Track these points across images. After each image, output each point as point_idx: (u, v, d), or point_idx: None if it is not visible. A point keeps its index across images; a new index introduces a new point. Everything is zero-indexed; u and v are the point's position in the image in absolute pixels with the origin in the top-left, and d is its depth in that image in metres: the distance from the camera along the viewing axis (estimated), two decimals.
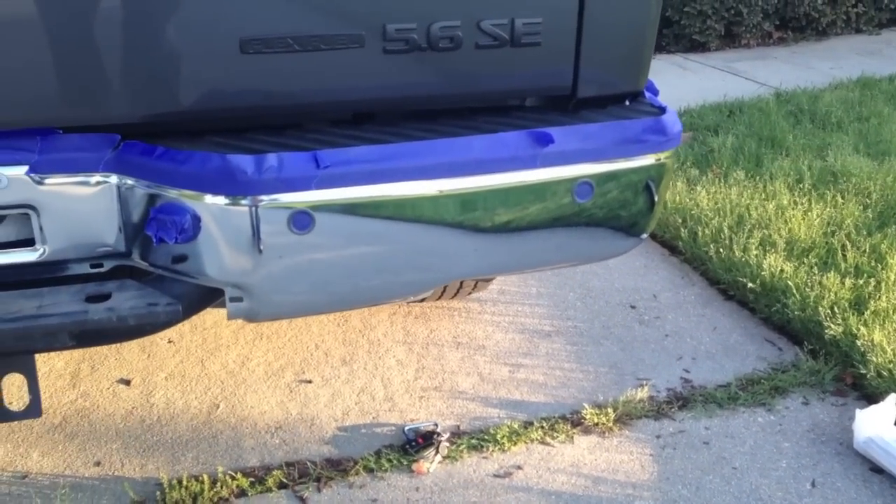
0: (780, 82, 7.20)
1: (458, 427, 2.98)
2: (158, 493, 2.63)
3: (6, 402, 1.89)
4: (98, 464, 2.80)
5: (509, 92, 2.00)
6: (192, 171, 1.65)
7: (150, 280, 1.82)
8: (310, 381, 3.23)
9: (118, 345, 3.45)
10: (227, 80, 1.77)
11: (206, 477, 2.67)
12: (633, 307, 3.81)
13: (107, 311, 1.68)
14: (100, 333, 1.77)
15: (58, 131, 1.72)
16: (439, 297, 3.69)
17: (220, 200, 1.66)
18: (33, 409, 1.90)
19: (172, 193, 1.68)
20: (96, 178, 1.74)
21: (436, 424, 2.96)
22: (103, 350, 3.41)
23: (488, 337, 3.54)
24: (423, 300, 3.73)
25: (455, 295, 3.64)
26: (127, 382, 3.22)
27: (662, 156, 1.96)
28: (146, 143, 1.72)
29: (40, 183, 1.71)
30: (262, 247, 1.68)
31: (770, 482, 2.77)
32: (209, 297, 1.81)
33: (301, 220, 1.67)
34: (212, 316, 3.62)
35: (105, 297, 1.73)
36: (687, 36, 8.51)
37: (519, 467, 2.79)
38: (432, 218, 1.77)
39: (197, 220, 1.68)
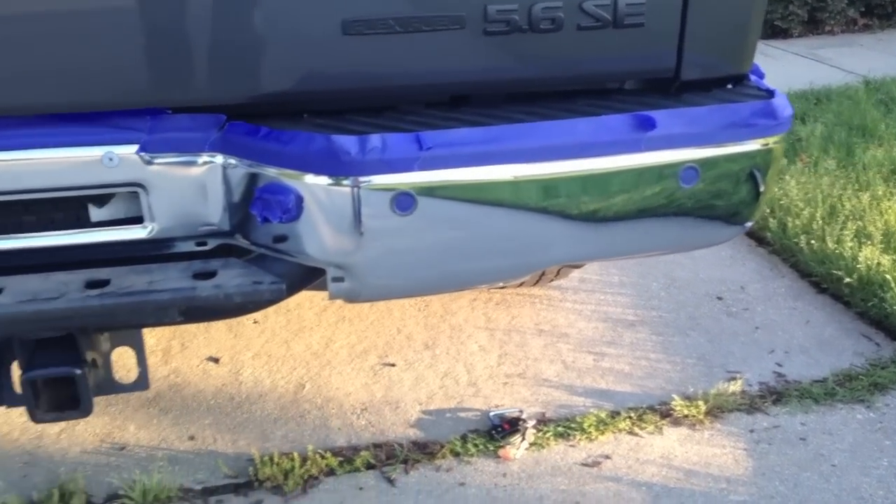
0: (868, 70, 6.93)
1: (544, 414, 2.96)
2: (251, 468, 2.68)
3: (115, 375, 1.96)
4: (192, 438, 2.88)
5: (610, 74, 1.96)
6: (296, 152, 1.67)
7: (253, 259, 1.85)
8: (393, 365, 3.26)
9: (207, 324, 3.53)
10: (329, 62, 1.78)
11: (296, 455, 2.72)
12: (719, 298, 3.72)
13: (214, 289, 1.72)
14: (206, 310, 1.81)
15: (166, 111, 1.76)
16: (520, 284, 3.67)
17: (323, 181, 1.67)
18: (141, 382, 1.95)
19: (276, 173, 1.70)
20: (203, 157, 1.77)
21: (521, 411, 2.94)
22: (192, 329, 3.50)
23: (571, 325, 3.51)
24: (503, 287, 3.72)
25: (537, 282, 3.62)
26: (216, 360, 3.29)
27: (771, 140, 1.90)
28: (250, 124, 1.75)
29: (149, 162, 1.75)
30: (364, 228, 1.69)
31: (871, 480, 2.68)
32: (310, 276, 1.83)
33: (403, 201, 1.67)
34: (295, 298, 3.68)
35: (211, 274, 1.77)
36: (768, 22, 8.26)
37: (607, 457, 2.76)
38: (533, 202, 1.75)
39: (300, 200, 1.70)
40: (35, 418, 1.79)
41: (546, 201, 1.76)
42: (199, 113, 1.76)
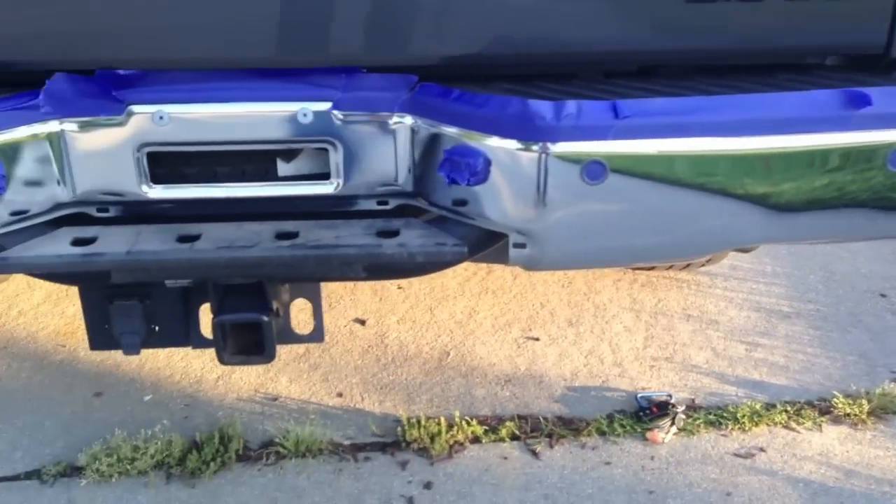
0: None
1: (693, 401, 2.88)
2: (399, 429, 2.73)
3: (293, 326, 2.02)
4: (340, 395, 2.95)
5: (814, 48, 1.86)
6: (490, 115, 1.66)
7: (433, 220, 1.86)
8: (537, 339, 3.24)
9: (353, 286, 3.61)
10: (523, 26, 1.76)
11: (442, 419, 2.75)
12: (883, 296, 3.51)
13: (398, 247, 1.73)
14: (388, 267, 1.83)
15: (361, 70, 1.78)
16: (669, 267, 3.57)
17: (514, 145, 1.66)
18: (317, 333, 2.01)
19: (466, 136, 1.70)
20: (393, 117, 1.78)
21: (669, 395, 2.87)
22: (339, 290, 3.59)
23: (721, 312, 3.40)
24: (651, 269, 3.64)
25: (686, 266, 3.52)
26: (362, 322, 3.36)
27: None
28: (442, 86, 1.75)
29: (341, 119, 1.78)
30: (552, 194, 1.67)
31: None
32: (489, 240, 1.83)
33: (594, 170, 1.64)
34: None
35: (394, 233, 1.79)
36: None
37: (761, 449, 2.66)
38: (728, 179, 1.68)
39: (488, 163, 1.69)
40: (222, 360, 1.87)
41: (741, 178, 1.69)
42: (392, 73, 1.78)
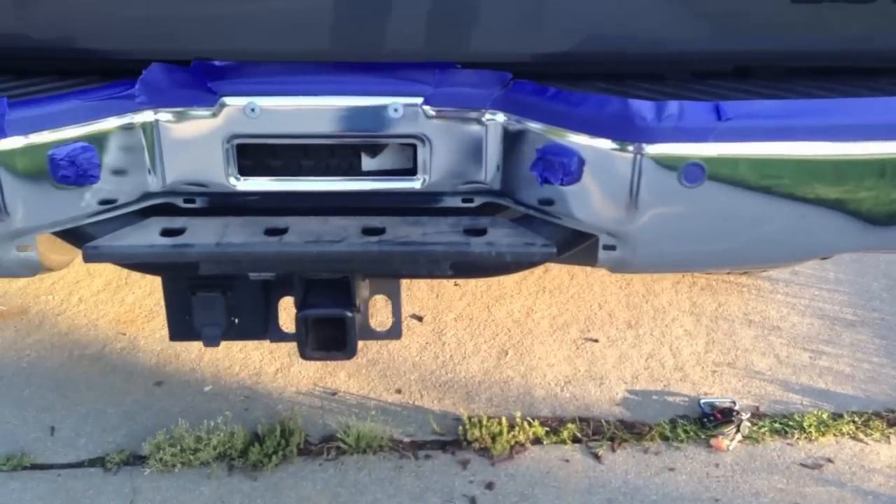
0: None
1: (758, 408, 2.83)
2: (460, 428, 2.71)
3: (371, 323, 2.01)
4: (399, 391, 2.94)
5: None
6: (588, 114, 1.63)
7: (519, 219, 1.84)
8: (596, 340, 3.21)
9: (408, 282, 3.59)
10: (618, 24, 1.73)
11: (504, 420, 2.72)
12: None
13: (486, 246, 1.71)
14: (475, 266, 1.82)
15: (455, 66, 1.76)
16: (728, 272, 3.53)
17: (612, 145, 1.63)
18: (395, 330, 2.00)
19: (561, 135, 1.68)
20: (484, 114, 1.76)
21: (733, 402, 2.83)
22: None
23: (783, 318, 3.34)
24: (710, 272, 3.59)
25: (745, 271, 3.47)
26: (419, 318, 3.34)
27: None
28: (537, 83, 1.72)
29: (431, 115, 1.76)
30: (647, 196, 1.63)
31: None
32: (576, 241, 1.80)
33: (692, 172, 1.61)
34: None
35: (482, 231, 1.77)
36: None
37: (829, 460, 2.61)
38: (830, 183, 1.64)
39: (582, 162, 1.66)
40: (304, 355, 1.86)
41: (845, 186, 1.64)
42: (485, 69, 1.76)
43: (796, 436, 2.70)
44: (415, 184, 1.84)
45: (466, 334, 3.25)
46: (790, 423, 2.74)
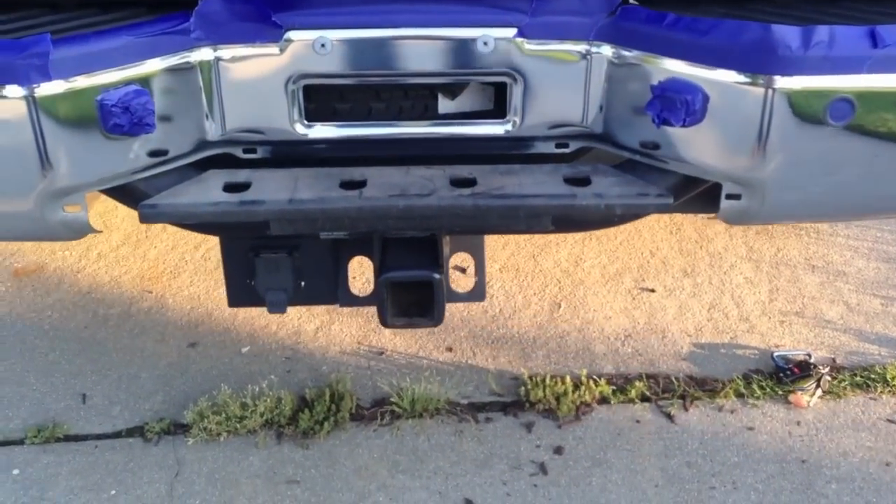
0: None
1: (834, 360, 2.67)
2: (522, 388, 2.54)
3: (453, 284, 1.81)
4: (450, 349, 2.76)
5: None
6: (719, 43, 1.41)
7: (621, 166, 1.63)
8: (652, 290, 3.02)
9: None
10: None
11: (568, 379, 2.55)
12: None
13: (595, 198, 1.51)
14: (580, 220, 1.61)
15: None
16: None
17: (744, 79, 1.41)
18: (478, 291, 1.80)
19: (683, 69, 1.45)
20: (585, 46, 1.54)
21: (808, 354, 2.66)
22: None
23: (847, 263, 3.16)
24: None
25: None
26: (463, 270, 3.14)
27: None
28: (651, 9, 1.49)
29: (526, 49, 1.53)
30: (785, 137, 1.43)
31: None
32: (687, 189, 1.60)
33: (841, 109, 1.40)
34: None
35: (584, 181, 1.56)
36: None
37: None
38: None
39: (706, 100, 1.45)
40: (386, 322, 1.67)
41: None
42: None
43: (879, 389, 2.54)
44: (503, 128, 1.62)
45: (514, 286, 3.06)
46: (872, 376, 2.59)
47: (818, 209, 1.62)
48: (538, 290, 3.04)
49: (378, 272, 1.62)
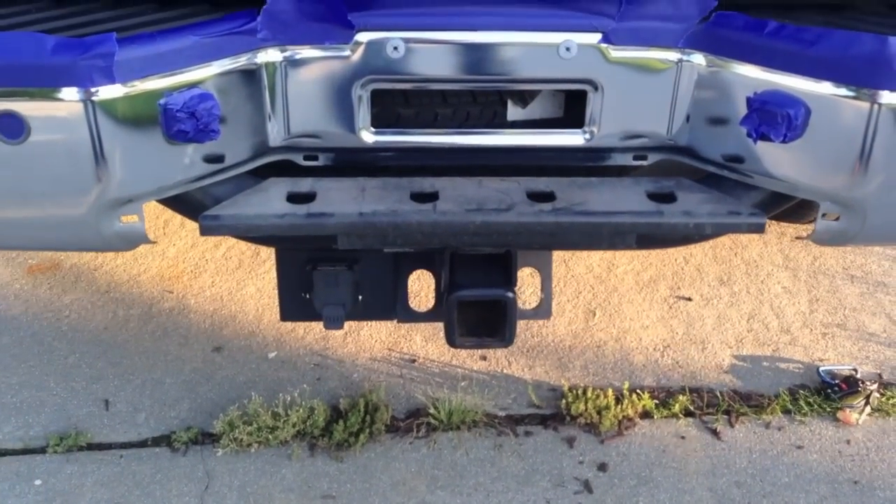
0: None
1: (881, 375, 2.59)
2: (562, 402, 2.45)
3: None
4: (484, 358, 2.67)
5: None
6: (828, 55, 1.32)
7: (704, 181, 1.54)
8: (689, 299, 2.94)
9: None
10: None
11: (610, 392, 2.47)
12: None
13: (683, 216, 1.42)
14: (664, 238, 1.52)
15: None
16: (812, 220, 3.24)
17: (852, 93, 1.32)
18: (544, 308, 1.71)
19: (783, 81, 1.36)
20: (675, 54, 1.44)
21: (855, 369, 2.59)
22: None
23: (886, 273, 3.08)
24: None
25: None
26: None
27: None
28: (749, 16, 1.40)
29: (611, 56, 1.44)
30: (890, 154, 1.34)
31: None
32: (776, 207, 1.51)
33: None
34: None
35: (669, 197, 1.47)
36: None
37: None
38: None
39: (808, 114, 1.36)
40: (454, 342, 1.57)
41: None
42: None
43: None
44: (579, 138, 1.52)
45: None
46: None
47: None
48: (572, 296, 2.95)
49: (447, 289, 1.53)
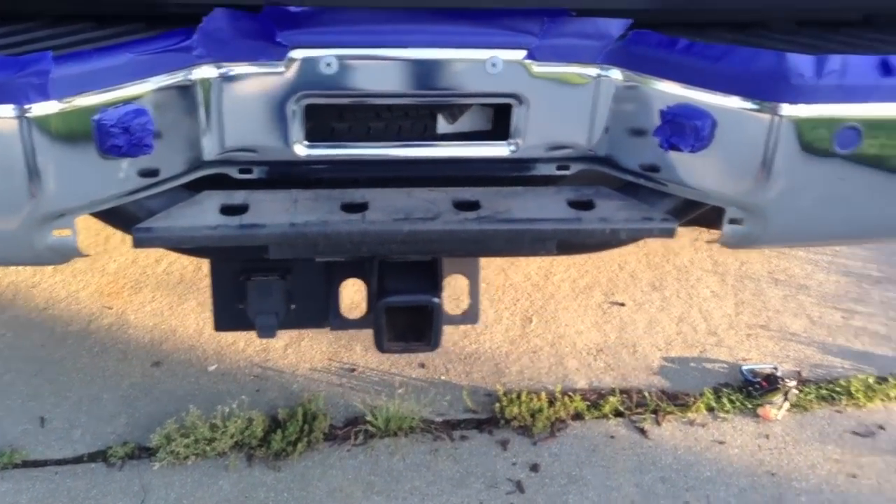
0: None
1: (800, 373, 2.73)
2: (497, 405, 2.52)
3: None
4: (422, 366, 2.73)
5: None
6: (732, 70, 1.41)
7: (623, 189, 1.62)
8: (622, 304, 3.05)
9: None
10: None
11: (543, 395, 2.55)
12: None
13: (600, 222, 1.50)
14: (583, 244, 1.60)
15: (568, 13, 1.50)
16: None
17: (754, 105, 1.42)
18: (472, 314, 1.77)
19: (692, 95, 1.45)
20: (595, 69, 1.53)
21: (775, 367, 2.71)
22: None
23: (808, 276, 3.24)
24: None
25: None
26: None
27: None
28: (662, 34, 1.49)
29: (534, 71, 1.51)
30: (791, 163, 1.44)
31: None
32: (688, 213, 1.60)
33: (848, 136, 1.41)
34: None
35: (588, 204, 1.55)
36: None
37: (881, 427, 2.53)
38: None
39: (715, 125, 1.45)
40: (382, 347, 1.62)
41: None
42: (599, 17, 1.51)
43: (844, 402, 2.61)
44: (505, 149, 1.60)
45: (485, 300, 3.03)
46: (836, 388, 2.65)
47: (820, 234, 1.64)
48: (509, 304, 3.03)
49: (376, 296, 1.58)
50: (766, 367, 2.72)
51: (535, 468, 2.36)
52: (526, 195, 1.57)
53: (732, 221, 1.55)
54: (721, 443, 2.47)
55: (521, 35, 1.49)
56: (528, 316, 2.96)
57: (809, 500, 2.28)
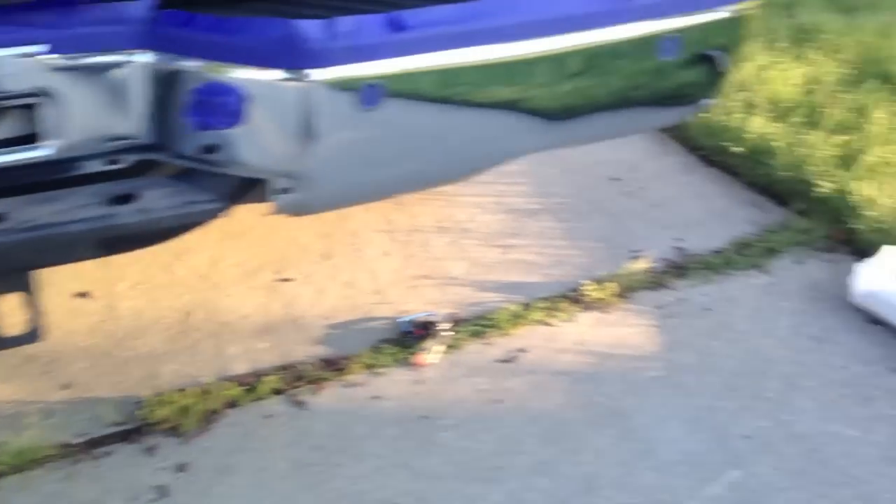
0: None
1: (457, 314, 2.79)
2: (141, 412, 2.37)
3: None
4: (67, 386, 2.52)
5: None
6: (246, 42, 1.37)
7: (180, 175, 1.54)
8: (290, 280, 2.98)
9: None
10: None
11: (195, 390, 2.43)
12: (615, 179, 3.65)
13: (139, 213, 1.41)
14: (132, 238, 1.50)
15: (76, 1, 1.37)
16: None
17: (278, 75, 1.38)
18: (33, 333, 1.62)
19: (219, 71, 1.38)
20: (121, 56, 1.42)
21: (432, 314, 2.76)
22: None
23: (472, 219, 3.34)
24: None
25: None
26: (84, 295, 2.88)
27: (743, 7, 1.71)
28: (187, 12, 1.40)
29: (56, 65, 1.38)
30: (324, 127, 1.42)
31: (773, 342, 2.71)
32: (247, 189, 1.55)
33: (371, 94, 1.41)
34: None
35: (131, 197, 1.45)
36: None
37: (523, 350, 2.65)
38: (510, 87, 1.51)
39: (244, 100, 1.40)
40: None
41: (524, 86, 1.53)
42: (121, 1, 1.39)
43: (492, 334, 2.71)
44: (39, 153, 1.45)
45: (144, 302, 2.86)
46: (486, 322, 2.74)
47: (373, 191, 1.65)
48: (171, 301, 2.87)
49: None
50: (422, 316, 2.75)
51: (182, 468, 2.25)
52: (63, 198, 1.45)
53: (281, 191, 1.51)
54: (377, 398, 2.48)
55: (32, 29, 1.36)
56: (188, 310, 2.82)
57: (457, 433, 2.34)
